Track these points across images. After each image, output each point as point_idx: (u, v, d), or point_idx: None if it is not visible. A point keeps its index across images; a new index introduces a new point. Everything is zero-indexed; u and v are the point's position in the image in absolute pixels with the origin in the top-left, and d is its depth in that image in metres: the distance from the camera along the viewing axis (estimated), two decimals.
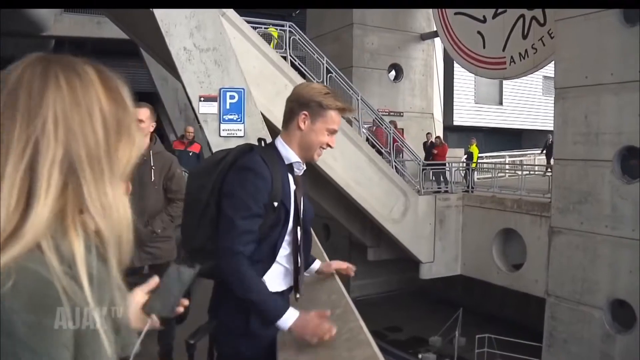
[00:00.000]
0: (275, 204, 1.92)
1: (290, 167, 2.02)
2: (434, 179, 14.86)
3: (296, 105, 2.00)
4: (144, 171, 3.67)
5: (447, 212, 13.98)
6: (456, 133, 23.22)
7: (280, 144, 2.03)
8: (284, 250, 2.01)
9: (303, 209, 2.06)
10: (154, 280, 1.26)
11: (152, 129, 3.77)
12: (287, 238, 2.00)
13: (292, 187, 2.01)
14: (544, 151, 18.58)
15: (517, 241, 12.77)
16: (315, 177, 12.41)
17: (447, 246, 13.95)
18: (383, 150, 13.51)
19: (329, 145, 2.04)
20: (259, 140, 2.09)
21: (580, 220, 10.52)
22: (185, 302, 1.26)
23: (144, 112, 3.67)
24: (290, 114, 2.02)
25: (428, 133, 16.41)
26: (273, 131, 8.35)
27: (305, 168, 2.08)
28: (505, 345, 11.74)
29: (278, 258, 2.00)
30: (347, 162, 12.10)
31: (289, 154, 2.01)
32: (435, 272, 13.93)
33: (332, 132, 2.03)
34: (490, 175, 16.20)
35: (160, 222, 3.75)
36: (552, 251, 11.06)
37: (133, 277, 3.58)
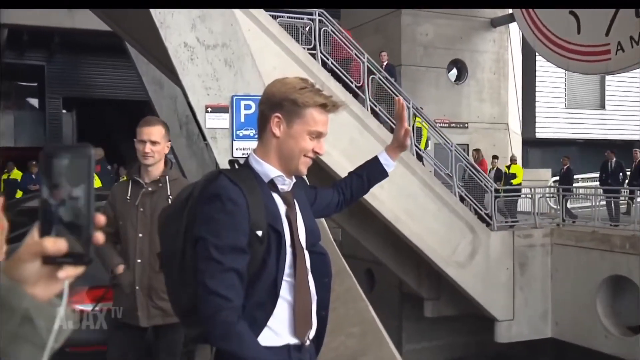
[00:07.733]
0: (260, 232, 1.92)
1: (273, 185, 2.04)
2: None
3: (267, 107, 2.04)
4: (157, 201, 3.58)
5: (529, 252, 13.86)
6: (540, 148, 22.99)
7: (253, 160, 2.07)
8: (289, 284, 2.01)
9: (305, 232, 2.09)
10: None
11: (167, 151, 3.76)
12: (288, 270, 2.00)
13: (282, 208, 2.03)
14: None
15: (632, 293, 12.45)
16: (355, 210, 12.38)
17: (531, 299, 13.79)
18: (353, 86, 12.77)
19: (316, 152, 2.06)
20: (231, 162, 2.11)
21: None
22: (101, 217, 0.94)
23: (158, 131, 3.66)
24: (262, 120, 2.06)
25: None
26: None
27: (294, 181, 2.10)
28: None
29: (284, 295, 2.00)
30: (396, 188, 11.99)
31: (266, 169, 2.04)
32: (516, 334, 13.79)
33: (317, 135, 2.05)
34: (589, 204, 15.86)
35: None
36: None
37: (136, 339, 3.59)
